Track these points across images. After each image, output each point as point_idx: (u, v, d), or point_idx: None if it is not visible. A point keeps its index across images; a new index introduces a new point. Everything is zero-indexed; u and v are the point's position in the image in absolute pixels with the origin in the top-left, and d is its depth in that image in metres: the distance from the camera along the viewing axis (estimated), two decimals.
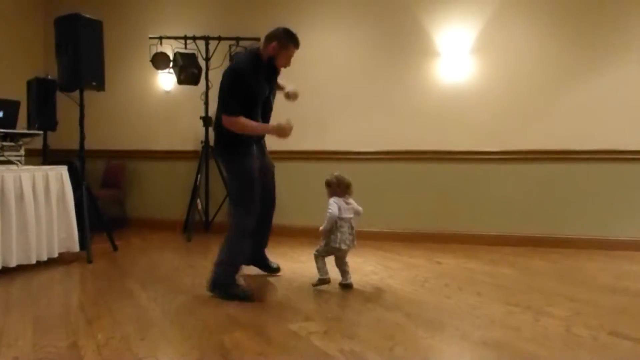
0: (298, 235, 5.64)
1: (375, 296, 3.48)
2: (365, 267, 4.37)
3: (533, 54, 5.27)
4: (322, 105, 5.85)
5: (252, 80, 3.41)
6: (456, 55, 5.41)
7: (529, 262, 4.56)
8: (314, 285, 3.64)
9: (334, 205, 3.59)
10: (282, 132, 3.44)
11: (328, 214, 3.57)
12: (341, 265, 3.70)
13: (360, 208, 3.72)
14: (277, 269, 4.09)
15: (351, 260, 4.58)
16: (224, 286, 3.40)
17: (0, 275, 3.92)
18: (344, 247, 3.61)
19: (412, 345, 2.59)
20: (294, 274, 4.10)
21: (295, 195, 5.78)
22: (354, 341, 2.61)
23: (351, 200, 3.70)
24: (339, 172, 3.76)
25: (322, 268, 3.65)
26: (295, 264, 4.49)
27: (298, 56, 5.83)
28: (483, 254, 4.87)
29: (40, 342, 2.60)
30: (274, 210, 3.97)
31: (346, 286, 3.64)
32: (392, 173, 5.67)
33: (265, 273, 4.07)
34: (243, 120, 3.37)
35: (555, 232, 5.22)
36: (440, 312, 3.11)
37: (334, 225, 3.59)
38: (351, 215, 3.66)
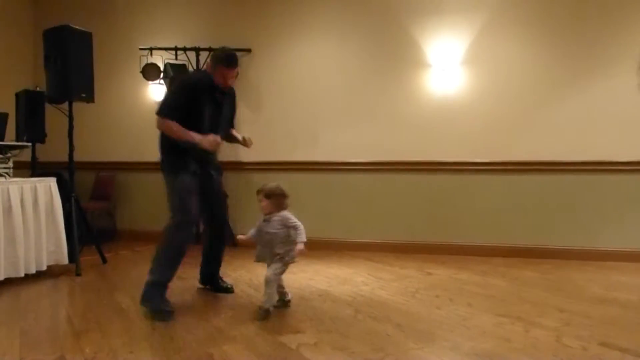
0: None
1: (365, 307, 3.47)
2: (356, 278, 4.37)
3: (523, 65, 5.32)
4: (313, 116, 5.86)
5: (193, 92, 3.44)
6: (447, 67, 5.45)
7: (519, 273, 4.57)
8: (264, 309, 3.23)
9: (293, 216, 3.31)
10: (207, 143, 3.40)
11: (300, 227, 3.24)
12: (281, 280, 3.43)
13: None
14: (231, 289, 3.88)
15: (342, 271, 4.62)
16: (149, 302, 3.34)
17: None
18: (292, 262, 3.33)
19: (403, 356, 2.58)
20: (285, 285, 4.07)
21: None
22: (345, 353, 2.60)
23: None
24: (274, 183, 3.40)
25: (274, 293, 3.32)
26: (286, 274, 4.43)
27: (289, 66, 5.92)
28: (474, 265, 4.88)
29: (27, 356, 2.57)
30: (224, 234, 3.93)
31: (286, 304, 3.48)
32: (382, 184, 5.68)
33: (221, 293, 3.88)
34: (169, 123, 3.37)
35: (545, 243, 5.24)
36: (431, 323, 3.11)
37: (286, 241, 3.26)
38: None
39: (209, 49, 5.91)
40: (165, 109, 3.40)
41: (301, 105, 5.92)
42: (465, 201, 5.47)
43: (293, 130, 5.91)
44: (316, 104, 5.85)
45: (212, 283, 3.96)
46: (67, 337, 2.86)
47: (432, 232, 5.53)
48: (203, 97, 3.46)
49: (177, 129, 3.37)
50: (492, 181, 5.40)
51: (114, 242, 6.18)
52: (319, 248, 5.64)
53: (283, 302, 3.46)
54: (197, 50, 5.92)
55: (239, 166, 5.94)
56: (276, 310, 3.39)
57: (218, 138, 3.48)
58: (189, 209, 3.45)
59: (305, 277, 4.38)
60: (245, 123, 6.07)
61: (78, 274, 4.42)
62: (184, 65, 5.88)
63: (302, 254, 3.21)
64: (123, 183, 6.57)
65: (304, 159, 5.84)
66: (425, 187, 5.57)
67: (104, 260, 4.93)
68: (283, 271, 3.33)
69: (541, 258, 5.13)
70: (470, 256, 5.28)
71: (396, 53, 5.63)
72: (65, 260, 4.50)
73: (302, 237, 3.22)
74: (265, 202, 3.30)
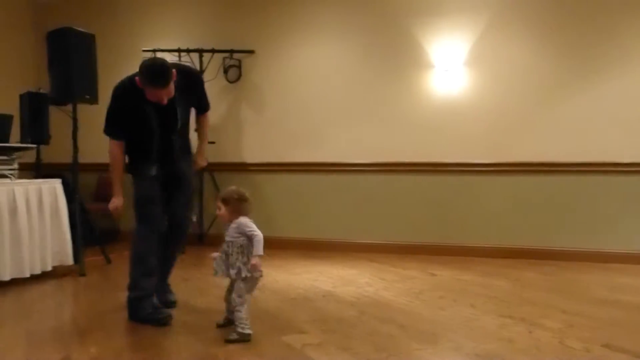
0: (290, 247, 5.64)
1: (369, 308, 3.47)
2: (360, 279, 4.38)
3: (526, 65, 5.33)
4: (314, 116, 5.88)
5: (122, 102, 3.12)
6: (450, 67, 5.45)
7: (522, 274, 4.57)
8: (230, 340, 2.76)
9: (253, 224, 2.86)
10: (111, 206, 3.25)
11: (256, 237, 2.81)
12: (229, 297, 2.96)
13: None
14: (173, 304, 3.47)
15: (346, 272, 4.63)
16: (139, 317, 3.13)
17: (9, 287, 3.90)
18: (257, 275, 2.87)
19: (406, 357, 2.59)
20: (289, 286, 4.09)
21: (288, 208, 5.79)
22: (348, 353, 2.60)
23: None
24: (234, 186, 3.00)
25: (247, 319, 2.81)
26: (289, 275, 4.49)
27: (292, 67, 5.94)
28: (477, 266, 4.89)
29: (33, 356, 2.59)
30: (178, 239, 3.52)
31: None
32: (385, 185, 5.69)
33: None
34: (112, 145, 3.20)
35: (548, 245, 5.24)
36: (434, 324, 3.11)
37: (245, 251, 2.85)
38: None
39: (212, 51, 5.93)
40: (105, 127, 3.16)
41: (304, 106, 5.93)
42: (468, 202, 5.47)
43: (296, 131, 5.92)
44: (319, 105, 5.86)
45: (156, 291, 3.36)
46: (72, 337, 2.88)
47: (436, 233, 5.53)
48: (136, 105, 3.06)
49: (112, 162, 3.20)
50: (495, 182, 5.40)
51: (117, 242, 6.20)
52: (323, 249, 5.67)
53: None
54: (200, 51, 5.94)
55: (242, 167, 5.96)
56: (279, 311, 3.40)
57: (120, 204, 3.23)
58: (148, 223, 3.20)
59: (310, 278, 4.39)
60: (247, 124, 6.11)
61: (82, 275, 4.45)
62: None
63: (254, 269, 2.79)
64: (126, 184, 6.57)
65: (307, 159, 5.85)
66: (428, 188, 5.58)
67: (108, 261, 4.96)
68: (249, 290, 2.86)
69: (544, 259, 5.13)
70: (474, 257, 5.28)
71: (399, 54, 5.64)
72: (69, 260, 4.53)
73: (258, 249, 2.78)
74: (222, 209, 2.90)
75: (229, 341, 2.74)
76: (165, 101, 3.03)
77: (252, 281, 2.86)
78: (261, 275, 2.88)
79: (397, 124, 5.65)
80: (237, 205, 2.89)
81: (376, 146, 5.68)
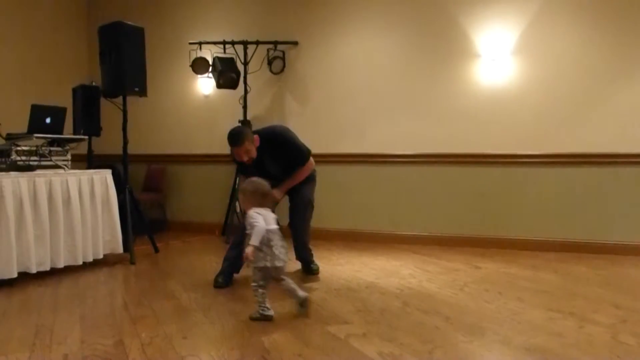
0: (334, 238, 5.67)
1: (413, 299, 3.45)
2: (403, 270, 4.35)
3: (576, 54, 5.15)
4: (358, 107, 5.85)
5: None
6: (497, 57, 5.33)
7: (572, 268, 4.45)
8: (252, 318, 3.01)
9: (257, 216, 2.99)
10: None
11: (255, 227, 2.94)
12: (285, 284, 3.11)
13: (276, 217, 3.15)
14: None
15: (389, 263, 4.61)
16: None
17: (49, 276, 4.07)
18: (280, 264, 3.00)
19: (452, 349, 2.57)
20: (332, 277, 4.11)
21: (331, 199, 5.80)
22: (393, 344, 2.60)
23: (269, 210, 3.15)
24: (256, 178, 3.24)
25: (263, 302, 3.00)
26: (333, 266, 4.51)
27: (335, 58, 5.93)
28: (523, 259, 4.78)
29: (87, 340, 2.69)
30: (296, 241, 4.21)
31: (304, 302, 3.09)
32: (430, 176, 5.62)
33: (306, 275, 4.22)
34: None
35: (599, 238, 5.08)
36: (480, 317, 3.07)
37: (263, 241, 2.96)
38: (277, 226, 3.08)
39: (257, 42, 5.98)
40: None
41: (348, 97, 5.91)
42: (514, 194, 5.35)
43: (340, 122, 5.92)
44: (363, 96, 5.84)
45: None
46: (124, 322, 2.98)
47: (480, 225, 5.44)
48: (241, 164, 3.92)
49: None
50: (543, 174, 5.27)
51: (164, 232, 6.36)
52: (365, 240, 5.67)
53: (299, 304, 3.10)
54: (244, 43, 5.99)
55: None
56: (322, 301, 3.42)
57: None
58: None
59: (352, 269, 4.39)
60: (292, 115, 6.15)
61: (132, 263, 4.58)
62: (232, 58, 5.97)
63: (245, 259, 2.93)
64: (173, 175, 6.75)
65: (351, 151, 5.85)
66: (473, 179, 5.48)
67: (156, 250, 5.09)
68: (259, 279, 3.00)
69: (595, 253, 4.98)
70: (520, 250, 5.17)
71: (444, 43, 5.55)
72: (120, 249, 4.67)
73: (253, 239, 2.91)
74: (240, 199, 3.23)
75: (252, 318, 2.99)
76: (244, 159, 3.79)
77: (263, 270, 2.98)
78: (277, 264, 2.98)
79: (443, 114, 5.57)
80: (251, 196, 3.10)
81: (421, 137, 5.62)
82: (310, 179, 4.16)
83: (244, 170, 3.96)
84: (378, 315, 3.13)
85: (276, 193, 3.87)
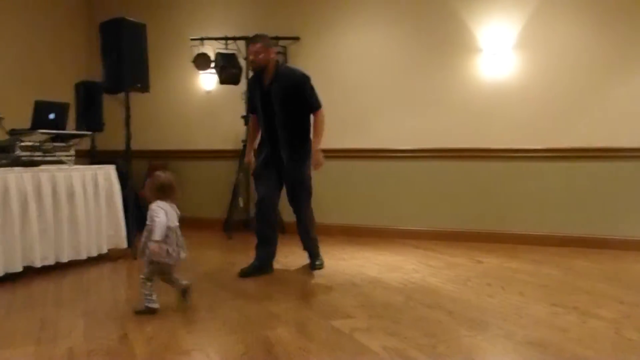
0: (336, 233, 5.68)
1: (417, 294, 3.46)
2: (406, 265, 4.36)
3: (577, 48, 5.15)
4: (360, 103, 5.85)
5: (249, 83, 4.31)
6: (498, 51, 5.32)
7: (574, 263, 4.46)
8: (137, 311, 3.04)
9: (159, 210, 3.01)
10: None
11: (155, 221, 2.97)
12: (170, 280, 3.17)
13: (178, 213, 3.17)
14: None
15: (392, 258, 4.62)
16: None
17: (53, 271, 4.08)
18: (170, 261, 3.05)
19: (455, 343, 2.58)
20: (335, 272, 4.12)
21: (336, 194, 5.81)
22: (397, 338, 2.61)
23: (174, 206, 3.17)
24: (163, 171, 3.28)
25: (149, 295, 3.03)
26: (337, 261, 4.52)
27: (337, 54, 5.92)
28: (525, 254, 4.79)
29: (92, 334, 2.70)
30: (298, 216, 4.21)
31: (185, 291, 3.17)
32: (432, 171, 5.63)
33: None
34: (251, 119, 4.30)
35: (602, 233, 5.08)
36: (483, 311, 3.08)
37: (150, 235, 3.00)
38: (177, 223, 3.12)
39: None
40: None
41: (350, 92, 5.91)
42: (516, 189, 5.36)
43: (341, 117, 5.90)
44: (365, 91, 5.83)
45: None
46: (128, 317, 2.99)
47: (482, 220, 5.45)
48: (253, 87, 4.09)
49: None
50: (544, 168, 5.27)
51: None
52: (368, 235, 5.68)
53: (182, 293, 3.17)
54: (246, 39, 5.97)
55: None
56: (326, 296, 3.44)
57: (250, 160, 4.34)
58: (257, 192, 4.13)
59: (356, 264, 4.41)
60: None
61: (135, 258, 4.58)
62: (234, 54, 5.96)
63: (153, 254, 2.97)
64: (175, 171, 6.71)
65: (353, 146, 5.85)
66: (475, 174, 5.49)
67: None
68: (151, 273, 3.05)
69: (597, 248, 4.99)
70: (522, 245, 5.18)
71: (445, 38, 5.54)
72: (124, 244, 4.69)
73: (154, 234, 2.95)
74: (145, 190, 3.20)
75: (136, 312, 3.02)
76: (250, 57, 4.02)
77: (157, 265, 3.03)
78: (169, 262, 3.03)
79: (444, 109, 5.57)
80: (154, 189, 3.09)
81: (422, 132, 5.62)
82: (303, 155, 4.03)
83: (253, 105, 4.14)
84: (382, 309, 3.14)
85: (313, 160, 3.97)
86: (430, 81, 5.61)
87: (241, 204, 6.01)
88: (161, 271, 3.09)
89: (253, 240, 4.16)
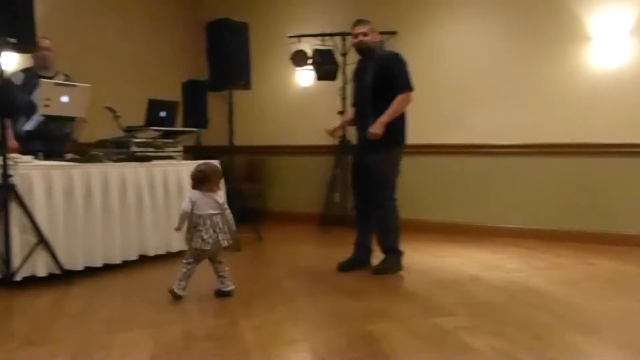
0: (433, 230, 5.58)
1: (520, 294, 3.35)
2: (508, 264, 4.22)
3: None
4: (461, 97, 5.70)
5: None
6: (611, 38, 4.96)
7: None
8: (168, 290, 3.22)
9: (187, 199, 3.24)
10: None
11: (181, 210, 3.25)
12: (216, 269, 3.32)
13: (221, 201, 3.31)
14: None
15: (492, 256, 4.48)
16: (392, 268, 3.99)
17: (164, 259, 4.33)
18: (206, 247, 3.18)
19: (567, 348, 2.47)
20: (434, 269, 4.08)
21: (432, 190, 5.72)
22: (503, 339, 2.54)
23: (217, 194, 3.32)
24: (206, 162, 3.52)
25: (181, 280, 3.21)
26: (434, 258, 4.46)
27: (435, 48, 5.81)
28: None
29: (204, 320, 2.87)
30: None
31: (222, 294, 3.30)
32: (534, 167, 5.38)
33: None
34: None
35: None
36: (595, 316, 2.92)
37: (192, 224, 3.21)
38: (214, 211, 3.23)
39: None
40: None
41: (449, 87, 5.78)
42: (629, 187, 4.99)
43: (441, 112, 5.80)
44: (465, 85, 5.68)
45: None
46: (236, 305, 3.13)
47: (591, 219, 5.12)
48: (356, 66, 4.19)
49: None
50: None
51: (264, 222, 6.56)
52: (466, 233, 5.54)
53: (216, 292, 3.32)
54: (343, 35, 6.02)
55: None
56: (426, 292, 3.41)
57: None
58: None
59: (455, 262, 4.32)
60: None
61: (238, 250, 4.77)
62: (330, 50, 6.03)
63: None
64: (273, 166, 6.94)
65: (452, 141, 5.71)
66: (583, 170, 5.18)
67: (259, 238, 5.28)
68: (191, 255, 3.25)
69: None
70: (634, 247, 4.82)
71: (550, 26, 5.25)
72: None
73: (179, 220, 3.26)
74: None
75: (169, 291, 3.19)
76: (356, 38, 4.00)
77: (193, 250, 3.22)
78: (204, 247, 3.17)
79: (549, 102, 5.29)
80: (191, 179, 3.31)
81: (526, 127, 5.38)
82: (388, 142, 3.89)
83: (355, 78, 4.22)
84: (484, 308, 3.06)
85: (371, 127, 3.80)
86: (534, 73, 5.36)
87: (337, 199, 6.07)
88: (198, 256, 3.25)
89: (350, 235, 4.20)
